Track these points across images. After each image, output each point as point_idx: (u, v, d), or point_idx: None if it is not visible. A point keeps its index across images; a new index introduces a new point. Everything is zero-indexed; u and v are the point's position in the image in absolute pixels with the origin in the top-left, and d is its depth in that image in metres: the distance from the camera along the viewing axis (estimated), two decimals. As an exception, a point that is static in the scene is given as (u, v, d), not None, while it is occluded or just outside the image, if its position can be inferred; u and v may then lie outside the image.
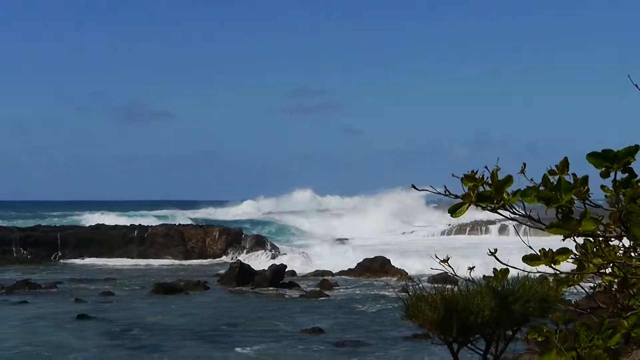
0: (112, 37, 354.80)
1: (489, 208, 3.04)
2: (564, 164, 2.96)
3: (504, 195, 3.01)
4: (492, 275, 4.04)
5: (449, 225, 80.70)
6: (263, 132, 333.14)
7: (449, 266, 4.28)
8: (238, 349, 25.95)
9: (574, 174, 2.98)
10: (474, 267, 4.75)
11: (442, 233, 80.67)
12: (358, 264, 50.70)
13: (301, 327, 29.96)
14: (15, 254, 61.95)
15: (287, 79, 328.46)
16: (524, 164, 3.05)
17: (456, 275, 4.25)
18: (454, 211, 3.09)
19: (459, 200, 3.07)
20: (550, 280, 3.44)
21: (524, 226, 3.26)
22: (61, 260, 61.88)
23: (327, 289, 41.66)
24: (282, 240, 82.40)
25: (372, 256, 51.49)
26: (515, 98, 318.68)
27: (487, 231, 78.14)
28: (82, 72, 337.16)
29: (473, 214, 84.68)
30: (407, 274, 45.56)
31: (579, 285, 3.44)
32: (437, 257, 4.41)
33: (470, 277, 4.52)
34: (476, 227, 79.56)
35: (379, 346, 26.46)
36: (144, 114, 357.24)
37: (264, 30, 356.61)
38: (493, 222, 78.37)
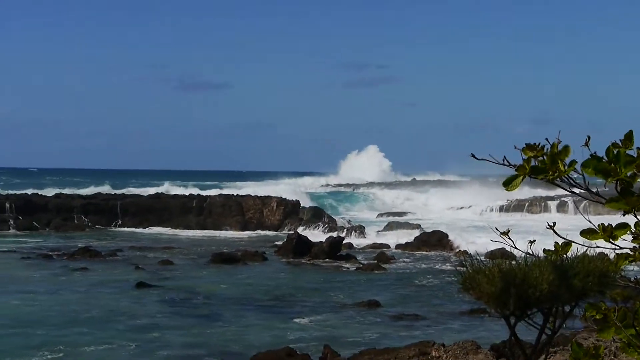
0: (175, 8, 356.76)
1: (545, 180, 3.03)
2: (628, 137, 2.93)
3: (560, 166, 2.99)
4: (553, 249, 4.03)
5: (508, 201, 79.93)
6: (323, 105, 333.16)
7: (509, 239, 4.29)
8: (296, 320, 26.17)
9: (638, 148, 2.94)
10: (534, 240, 4.73)
11: (501, 209, 79.89)
12: (415, 237, 50.68)
13: (358, 299, 30.03)
14: (76, 221, 63.04)
15: (348, 53, 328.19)
16: (588, 137, 3.01)
17: (516, 247, 4.25)
18: (508, 184, 3.07)
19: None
20: (610, 256, 3.41)
21: (583, 203, 3.24)
22: (121, 228, 62.82)
23: (385, 262, 41.69)
24: (349, 211, 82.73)
25: (430, 230, 51.49)
26: (578, 76, 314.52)
27: (546, 207, 77.31)
28: (143, 43, 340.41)
29: (531, 190, 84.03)
30: (464, 249, 45.37)
31: (640, 261, 3.42)
32: (497, 230, 4.42)
33: (530, 251, 4.51)
34: (535, 202, 78.77)
35: (436, 320, 26.47)
36: (203, 84, 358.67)
37: (327, 3, 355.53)
38: (552, 199, 77.57)
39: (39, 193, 71.99)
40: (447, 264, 39.77)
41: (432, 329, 24.85)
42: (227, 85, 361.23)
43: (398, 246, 50.00)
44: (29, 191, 74.65)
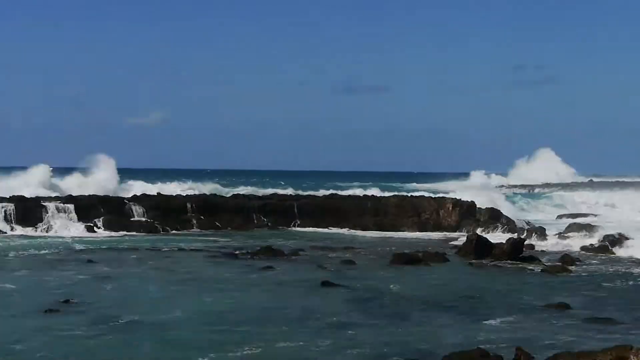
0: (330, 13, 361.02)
1: None
2: None
3: None
4: None
5: None
6: (490, 107, 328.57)
7: None
8: (485, 321, 25.78)
9: None
10: None
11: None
12: (600, 240, 49.27)
13: (546, 301, 29.43)
14: (255, 221, 64.76)
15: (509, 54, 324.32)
16: None
17: None
18: None
19: None
20: None
21: None
22: (299, 228, 63.97)
23: (570, 264, 40.68)
24: (522, 212, 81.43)
25: (614, 232, 49.96)
26: None
27: None
28: (300, 48, 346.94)
29: None
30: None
31: None
32: None
33: None
34: None
35: (633, 324, 25.52)
36: (361, 88, 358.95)
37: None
38: None
39: (217, 194, 74.68)
40: (637, 267, 38.38)
41: (630, 333, 23.96)
42: (385, 88, 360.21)
43: (582, 248, 48.70)
44: (207, 191, 78.61)
